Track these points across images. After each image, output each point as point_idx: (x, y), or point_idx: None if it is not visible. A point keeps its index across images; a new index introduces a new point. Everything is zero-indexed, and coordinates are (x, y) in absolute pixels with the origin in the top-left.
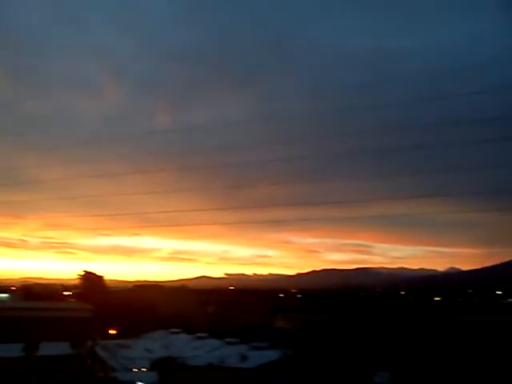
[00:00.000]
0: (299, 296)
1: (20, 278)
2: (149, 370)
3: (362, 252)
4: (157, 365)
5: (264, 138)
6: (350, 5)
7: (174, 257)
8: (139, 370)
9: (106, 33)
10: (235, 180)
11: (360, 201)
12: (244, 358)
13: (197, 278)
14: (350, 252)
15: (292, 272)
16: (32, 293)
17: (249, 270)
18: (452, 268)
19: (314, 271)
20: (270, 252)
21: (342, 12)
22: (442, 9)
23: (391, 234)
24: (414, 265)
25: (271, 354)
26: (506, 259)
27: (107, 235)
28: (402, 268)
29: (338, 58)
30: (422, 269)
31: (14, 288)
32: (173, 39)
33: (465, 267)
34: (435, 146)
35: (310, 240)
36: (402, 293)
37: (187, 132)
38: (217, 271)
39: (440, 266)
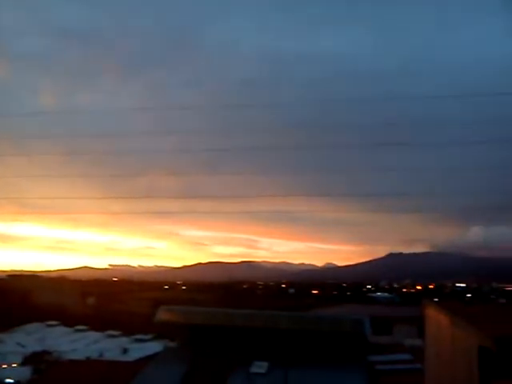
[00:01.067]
0: (184, 288)
1: None
2: (20, 365)
3: (247, 246)
4: (30, 360)
5: (153, 127)
6: (251, 5)
7: (54, 246)
8: (9, 365)
9: None
10: (122, 168)
11: (247, 195)
12: (125, 350)
13: (78, 268)
14: (236, 245)
15: (178, 264)
16: None
17: (134, 262)
18: (329, 264)
19: (199, 264)
20: (156, 243)
21: (242, 11)
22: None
23: (276, 228)
24: (296, 259)
25: (153, 347)
26: (378, 256)
27: None
28: (285, 262)
29: (233, 55)
30: (303, 264)
31: None
32: (63, 16)
33: (341, 263)
34: (319, 148)
35: (196, 232)
36: (283, 286)
37: (74, 116)
38: (100, 262)
39: (319, 261)
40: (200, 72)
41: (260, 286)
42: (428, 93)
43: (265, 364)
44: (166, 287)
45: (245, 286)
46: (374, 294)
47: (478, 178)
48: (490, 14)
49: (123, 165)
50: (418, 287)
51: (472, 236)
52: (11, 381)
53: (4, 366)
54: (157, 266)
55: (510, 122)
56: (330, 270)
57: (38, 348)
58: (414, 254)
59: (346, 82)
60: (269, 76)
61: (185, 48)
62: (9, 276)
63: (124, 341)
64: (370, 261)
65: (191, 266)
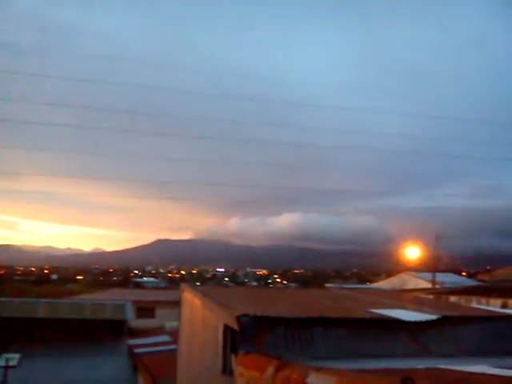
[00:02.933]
0: None
1: None
2: None
3: (6, 228)
4: None
5: None
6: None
7: None
8: None
9: None
10: None
11: (9, 172)
12: None
13: None
14: None
15: None
16: None
17: None
18: (97, 249)
19: None
20: None
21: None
22: None
23: (41, 210)
24: (62, 244)
25: None
26: (145, 242)
27: None
28: (49, 247)
29: None
30: (69, 248)
31: None
32: None
33: (109, 248)
34: (90, 130)
35: None
36: (46, 271)
37: None
38: None
39: (86, 246)
40: None
41: (19, 272)
42: (216, 91)
43: (16, 356)
44: None
45: (1, 272)
46: (140, 279)
47: (239, 172)
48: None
49: None
50: (183, 272)
51: (230, 225)
52: None
53: None
54: None
55: (273, 125)
56: (98, 255)
57: None
58: (180, 241)
59: (127, 66)
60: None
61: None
62: None
63: None
64: (138, 246)
65: None
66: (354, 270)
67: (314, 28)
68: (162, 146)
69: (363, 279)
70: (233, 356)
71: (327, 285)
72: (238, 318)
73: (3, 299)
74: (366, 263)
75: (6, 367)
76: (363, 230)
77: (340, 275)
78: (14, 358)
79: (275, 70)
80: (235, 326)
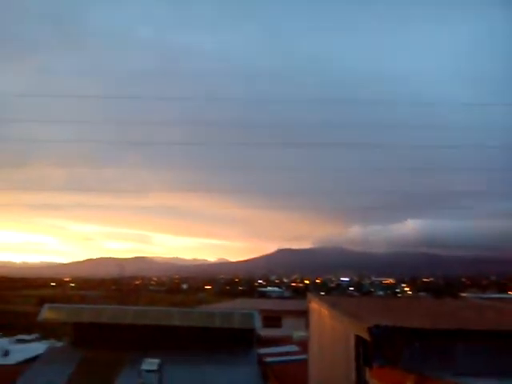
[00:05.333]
0: (73, 285)
1: None
2: None
3: (139, 241)
4: None
5: (37, 116)
6: None
7: None
8: None
9: None
10: (4, 158)
11: (139, 190)
12: (6, 352)
13: None
14: (128, 240)
15: (66, 260)
16: None
17: (17, 258)
18: (221, 259)
19: (89, 259)
20: (42, 238)
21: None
22: None
23: (168, 224)
24: (188, 255)
25: (37, 347)
26: (268, 252)
27: None
28: (177, 258)
29: (120, 44)
30: (195, 259)
31: None
32: None
33: (233, 258)
34: (211, 144)
35: (86, 227)
36: (176, 281)
37: None
38: None
39: (211, 256)
40: (87, 61)
41: (153, 282)
42: (314, 95)
43: (156, 361)
44: (53, 284)
45: (137, 282)
46: (264, 289)
47: (358, 179)
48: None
49: (6, 154)
50: (306, 281)
51: (351, 233)
52: None
53: None
54: (42, 262)
55: (385, 127)
56: (222, 265)
57: None
58: (301, 250)
59: (241, 80)
60: (159, 69)
61: (71, 35)
62: None
63: (4, 342)
64: (261, 256)
65: (80, 261)
66: (492, 278)
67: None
68: (280, 156)
69: (504, 288)
70: (367, 369)
71: (462, 294)
72: (370, 330)
73: (142, 308)
74: (505, 271)
75: (148, 371)
76: (499, 234)
77: (476, 284)
78: (154, 362)
79: (395, 70)
80: (367, 338)
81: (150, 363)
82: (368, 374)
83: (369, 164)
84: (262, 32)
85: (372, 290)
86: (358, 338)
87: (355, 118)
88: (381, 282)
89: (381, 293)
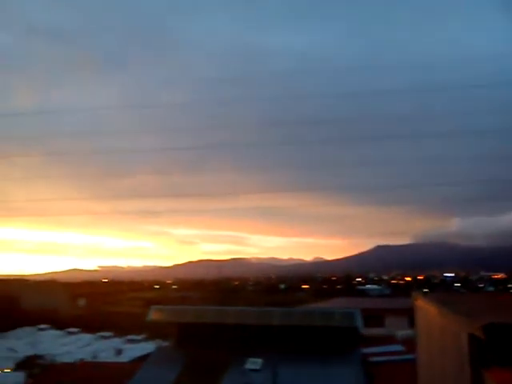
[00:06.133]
0: (175, 287)
1: None
2: (13, 370)
3: (236, 243)
4: (22, 364)
5: (135, 126)
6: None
7: (42, 248)
8: (1, 371)
9: None
10: (106, 168)
11: (233, 192)
12: (118, 352)
13: (67, 270)
14: (225, 243)
15: (168, 263)
16: None
17: (123, 262)
18: (318, 258)
19: (190, 262)
20: (144, 243)
21: (213, 10)
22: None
23: (263, 225)
24: (284, 255)
25: (146, 347)
26: (365, 249)
27: None
28: (273, 258)
29: (207, 52)
30: (291, 258)
31: None
32: (37, 15)
33: (329, 257)
34: (304, 143)
35: (185, 231)
36: (273, 281)
37: (52, 116)
38: (89, 263)
39: (307, 255)
40: (176, 70)
41: (250, 283)
42: (406, 86)
43: (259, 360)
44: (157, 287)
45: (236, 283)
46: (363, 287)
47: (458, 169)
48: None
49: (108, 164)
50: (407, 278)
51: (452, 227)
52: None
53: None
54: (146, 266)
55: (486, 115)
56: (319, 264)
57: (30, 352)
58: (400, 246)
59: (321, 77)
60: (244, 72)
61: (159, 46)
62: None
63: (117, 342)
64: (358, 254)
65: (181, 264)
66: None
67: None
68: (375, 150)
69: None
70: (483, 370)
71: None
72: (485, 328)
73: (242, 308)
74: None
75: (251, 370)
76: None
77: None
78: (257, 362)
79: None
80: (482, 336)
81: (254, 362)
82: (485, 376)
83: (470, 152)
84: (346, 26)
85: (481, 285)
86: (472, 338)
87: (451, 106)
88: (490, 276)
89: (491, 288)
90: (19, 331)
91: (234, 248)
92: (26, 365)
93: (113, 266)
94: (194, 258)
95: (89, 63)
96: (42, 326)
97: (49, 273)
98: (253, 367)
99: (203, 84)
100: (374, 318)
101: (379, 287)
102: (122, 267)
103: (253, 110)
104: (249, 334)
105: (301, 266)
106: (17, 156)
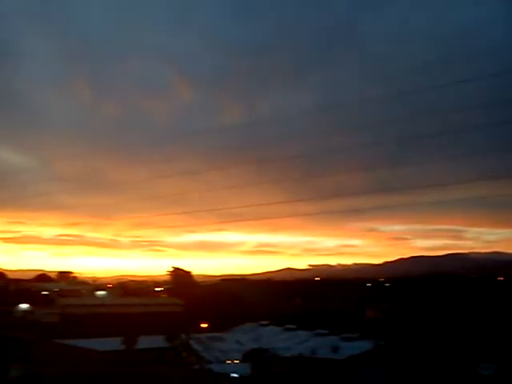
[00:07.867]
0: (387, 285)
1: (114, 277)
2: (241, 361)
3: (452, 237)
4: (248, 356)
5: (332, 126)
6: None
7: (258, 250)
8: (232, 361)
9: (170, 32)
10: (313, 170)
11: (448, 184)
12: (335, 349)
13: (281, 270)
14: (440, 238)
15: (378, 261)
16: (127, 290)
17: (333, 261)
18: None
19: (401, 259)
20: (354, 241)
21: None
22: None
23: (483, 217)
24: (510, 248)
25: (363, 345)
26: None
27: (193, 232)
28: (497, 252)
29: (402, 40)
30: None
31: (110, 286)
32: (232, 36)
33: None
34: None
35: (396, 227)
36: (500, 278)
37: (257, 125)
38: (301, 263)
39: None
40: (367, 65)
41: (473, 280)
42: None
43: (491, 366)
44: (369, 285)
45: (455, 280)
46: None
47: None
48: None
49: (314, 166)
50: None
51: None
52: (236, 375)
53: (228, 362)
54: (356, 264)
55: None
56: None
57: (254, 345)
58: None
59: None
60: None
61: (347, 44)
62: (221, 280)
63: (333, 339)
64: None
65: (392, 261)
66: None
67: None
68: None
69: None
70: None
71: None
72: None
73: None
74: None
75: (485, 376)
76: None
77: None
78: (490, 367)
79: None
80: None
81: (486, 367)
82: None
83: None
84: None
85: None
86: None
87: None
88: None
89: None
90: (244, 326)
91: (450, 243)
92: (252, 356)
93: (323, 265)
94: (406, 255)
95: (284, 71)
96: (263, 322)
97: (265, 272)
98: (486, 373)
99: (397, 73)
100: None
101: None
102: (332, 265)
103: (450, 96)
104: (479, 336)
105: None
106: (231, 166)
